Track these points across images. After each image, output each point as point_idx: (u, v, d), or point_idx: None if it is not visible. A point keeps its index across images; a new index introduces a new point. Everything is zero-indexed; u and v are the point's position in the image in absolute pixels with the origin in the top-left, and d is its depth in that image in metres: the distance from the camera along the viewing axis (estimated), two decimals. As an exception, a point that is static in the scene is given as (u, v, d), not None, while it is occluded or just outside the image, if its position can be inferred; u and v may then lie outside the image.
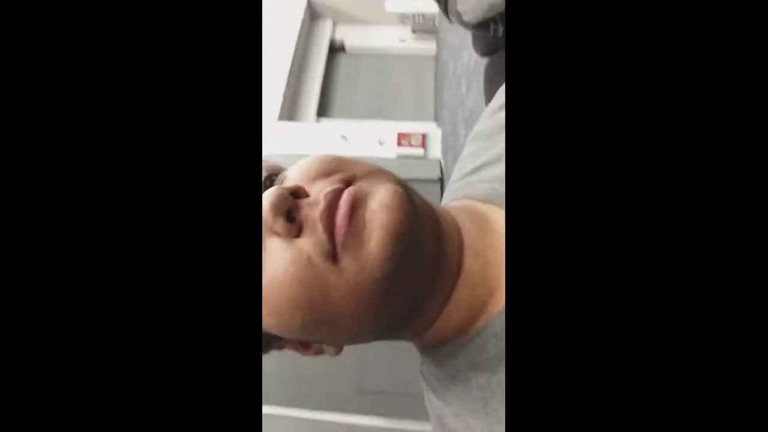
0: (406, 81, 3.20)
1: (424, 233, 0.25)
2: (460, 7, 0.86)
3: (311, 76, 3.10)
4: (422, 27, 3.18)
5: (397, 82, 3.21)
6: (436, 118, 2.84)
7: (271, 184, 0.27)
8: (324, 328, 0.25)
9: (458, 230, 0.29)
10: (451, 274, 0.28)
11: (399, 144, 2.51)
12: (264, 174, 0.27)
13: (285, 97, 2.80)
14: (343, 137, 2.57)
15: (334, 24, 3.32)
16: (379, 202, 0.24)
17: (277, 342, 0.29)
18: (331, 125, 2.85)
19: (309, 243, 0.23)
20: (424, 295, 0.27)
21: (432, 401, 0.31)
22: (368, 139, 2.56)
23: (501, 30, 0.90)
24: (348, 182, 0.25)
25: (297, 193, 0.25)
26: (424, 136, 2.53)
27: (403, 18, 3.11)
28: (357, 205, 0.23)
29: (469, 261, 0.28)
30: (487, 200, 0.31)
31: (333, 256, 0.23)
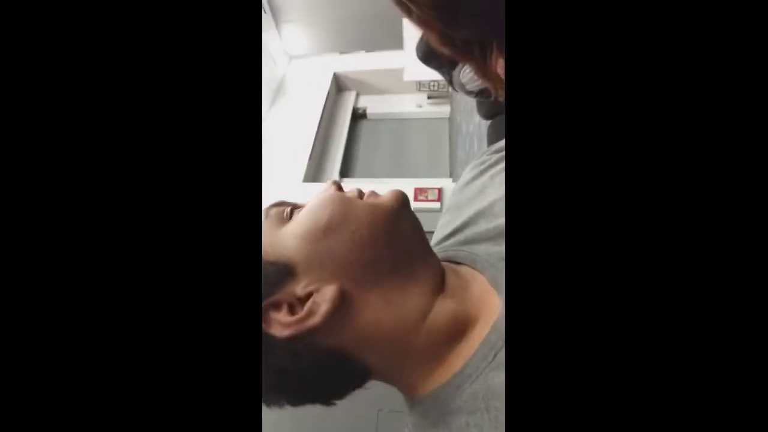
0: (423, 142, 3.41)
1: (417, 227, 0.36)
2: (462, 79, 1.00)
3: (335, 141, 3.35)
4: (437, 93, 3.44)
5: (415, 144, 3.42)
6: (451, 175, 2.98)
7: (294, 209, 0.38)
8: (337, 235, 0.33)
9: (440, 265, 0.36)
10: (436, 277, 0.34)
11: (416, 199, 2.62)
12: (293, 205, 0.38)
13: (310, 160, 3.02)
14: (365, 194, 2.72)
15: (358, 94, 3.63)
16: (390, 191, 0.37)
17: (273, 299, 0.31)
18: (352, 184, 3.02)
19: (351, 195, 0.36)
20: (415, 264, 0.34)
21: None
22: (388, 195, 2.70)
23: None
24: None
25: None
26: (440, 191, 2.64)
27: (419, 86, 3.38)
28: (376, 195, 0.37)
29: (450, 284, 0.34)
30: (458, 261, 0.38)
31: (360, 196, 0.36)
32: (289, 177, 2.86)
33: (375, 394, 0.35)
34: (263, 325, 0.30)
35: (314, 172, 3.09)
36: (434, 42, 0.41)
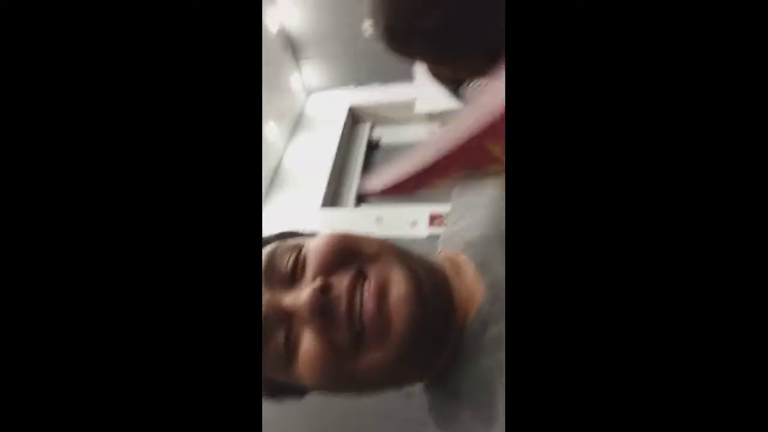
0: (436, 169, 3.48)
1: (430, 302, 0.30)
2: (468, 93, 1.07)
3: (351, 169, 3.47)
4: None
5: (428, 171, 3.50)
6: (465, 201, 3.02)
7: (297, 259, 0.32)
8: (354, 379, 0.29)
9: (443, 269, 0.35)
10: (452, 312, 0.32)
11: (431, 224, 2.67)
12: (294, 249, 0.33)
13: (328, 187, 3.14)
14: (378, 219, 2.79)
15: (372, 126, 3.78)
16: (398, 295, 0.28)
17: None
18: (368, 209, 3.11)
19: (340, 336, 0.28)
20: (436, 349, 0.31)
21: None
22: (401, 220, 2.77)
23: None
24: (361, 270, 0.30)
25: (324, 289, 0.29)
26: (453, 215, 2.68)
27: (430, 117, 3.50)
28: (381, 295, 0.28)
29: (455, 286, 0.33)
30: (454, 251, 0.38)
31: (360, 342, 0.28)
32: (308, 202, 2.98)
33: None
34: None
35: (332, 198, 3.19)
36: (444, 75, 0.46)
